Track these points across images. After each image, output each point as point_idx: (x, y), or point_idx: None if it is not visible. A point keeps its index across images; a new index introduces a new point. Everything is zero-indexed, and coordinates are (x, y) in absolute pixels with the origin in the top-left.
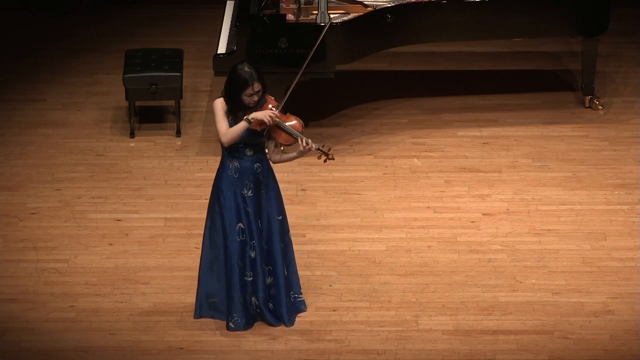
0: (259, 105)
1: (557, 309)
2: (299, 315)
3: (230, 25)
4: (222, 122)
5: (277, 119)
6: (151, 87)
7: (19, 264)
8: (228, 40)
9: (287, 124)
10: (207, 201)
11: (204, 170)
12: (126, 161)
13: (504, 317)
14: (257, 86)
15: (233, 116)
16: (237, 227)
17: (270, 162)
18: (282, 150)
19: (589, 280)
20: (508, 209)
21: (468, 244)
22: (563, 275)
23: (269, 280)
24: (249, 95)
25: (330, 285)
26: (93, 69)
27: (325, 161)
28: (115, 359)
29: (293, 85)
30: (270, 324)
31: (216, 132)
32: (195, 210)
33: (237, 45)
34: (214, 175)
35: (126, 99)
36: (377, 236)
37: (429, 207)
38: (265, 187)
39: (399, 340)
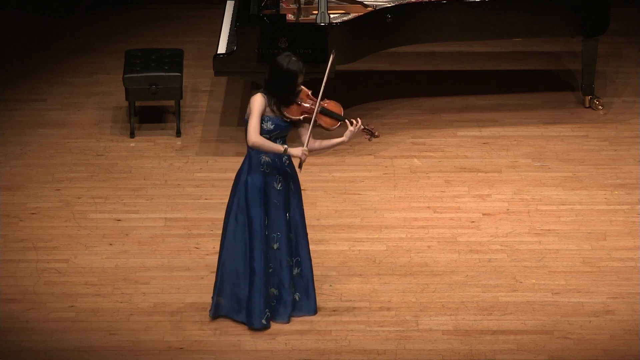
0: (297, 95)
1: (557, 309)
2: (299, 315)
3: (230, 25)
4: (255, 121)
5: (321, 110)
6: (151, 87)
7: (19, 264)
8: (228, 40)
9: (330, 109)
10: (207, 201)
11: (204, 170)
12: (126, 161)
13: (504, 317)
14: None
15: (275, 109)
16: (265, 221)
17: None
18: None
19: (589, 280)
20: (508, 209)
21: (468, 244)
22: (563, 275)
23: (296, 271)
24: (299, 84)
25: (330, 285)
26: (93, 69)
27: (370, 139)
28: (115, 359)
29: (327, 73)
30: (278, 318)
31: (217, 133)
32: (195, 210)
33: (237, 45)
34: (214, 175)
35: (126, 99)
36: (377, 236)
37: (429, 207)
38: (294, 181)
39: (399, 340)
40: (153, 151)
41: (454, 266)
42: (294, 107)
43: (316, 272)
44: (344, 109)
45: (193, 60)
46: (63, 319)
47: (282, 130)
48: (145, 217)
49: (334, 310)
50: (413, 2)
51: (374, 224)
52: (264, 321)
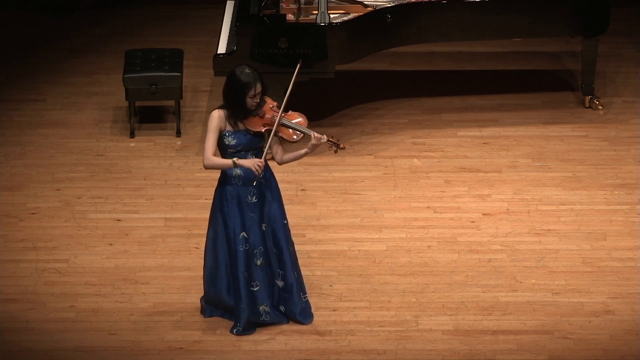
0: (260, 107)
1: (557, 309)
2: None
3: (230, 25)
4: (210, 141)
5: (282, 122)
6: (151, 87)
7: (19, 264)
8: (228, 40)
9: (293, 121)
10: (207, 201)
11: (204, 170)
12: (126, 161)
13: (504, 317)
14: (259, 87)
15: (233, 123)
16: (241, 237)
17: (277, 164)
18: (285, 148)
19: (589, 280)
20: (508, 209)
21: (468, 244)
22: (563, 275)
23: (281, 283)
24: (251, 97)
25: (330, 285)
26: (93, 69)
27: (336, 152)
28: (115, 359)
29: (291, 85)
30: (281, 323)
31: None
32: (195, 210)
33: (237, 45)
34: (213, 175)
35: (126, 99)
36: (377, 236)
37: (429, 207)
38: (270, 191)
39: (399, 340)
40: (153, 151)
41: (454, 266)
42: (255, 119)
43: (316, 272)
44: (343, 110)
45: (193, 60)
46: (63, 319)
47: (247, 143)
48: (145, 217)
49: (334, 310)
50: (413, 2)
51: (374, 224)
52: (234, 331)
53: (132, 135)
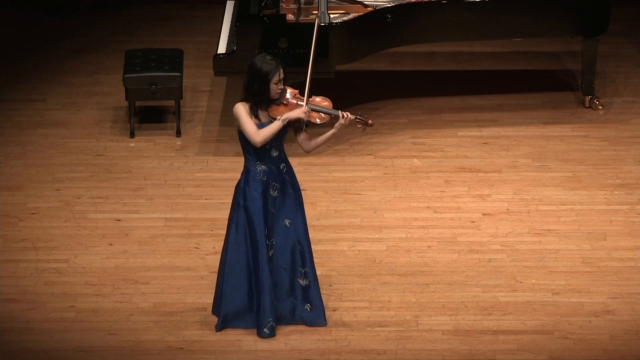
0: (282, 96)
1: (557, 309)
2: (312, 326)
3: (230, 25)
4: (249, 124)
5: (309, 106)
6: (151, 87)
7: (19, 264)
8: (228, 40)
9: (318, 104)
10: (207, 201)
11: (204, 170)
12: (126, 161)
13: (504, 317)
14: (282, 72)
15: (256, 115)
16: (266, 231)
17: (305, 152)
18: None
19: (589, 280)
20: (508, 209)
21: (468, 244)
22: (563, 275)
23: (304, 282)
24: (276, 84)
25: (330, 285)
26: (93, 69)
27: (364, 129)
28: (115, 359)
29: (309, 75)
30: (283, 320)
31: (217, 133)
32: (195, 210)
33: (237, 45)
34: (214, 175)
35: (126, 99)
36: (377, 236)
37: (429, 207)
38: (292, 187)
39: (399, 340)
40: (153, 151)
41: (454, 266)
42: (280, 108)
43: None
44: (344, 109)
45: (193, 60)
46: (63, 319)
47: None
48: (145, 217)
49: (334, 310)
50: (413, 2)
51: (374, 224)
52: (266, 330)
53: (132, 135)
